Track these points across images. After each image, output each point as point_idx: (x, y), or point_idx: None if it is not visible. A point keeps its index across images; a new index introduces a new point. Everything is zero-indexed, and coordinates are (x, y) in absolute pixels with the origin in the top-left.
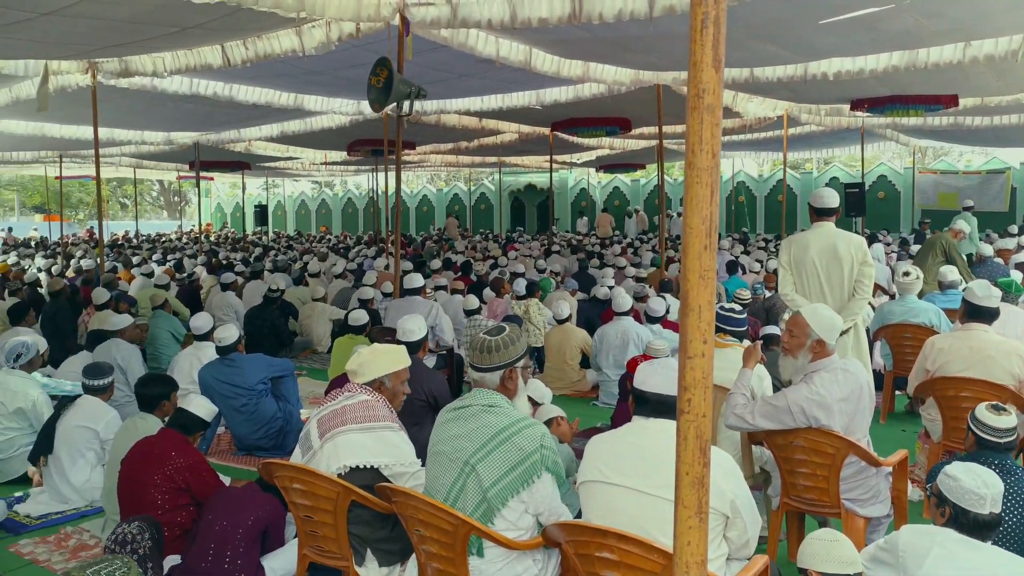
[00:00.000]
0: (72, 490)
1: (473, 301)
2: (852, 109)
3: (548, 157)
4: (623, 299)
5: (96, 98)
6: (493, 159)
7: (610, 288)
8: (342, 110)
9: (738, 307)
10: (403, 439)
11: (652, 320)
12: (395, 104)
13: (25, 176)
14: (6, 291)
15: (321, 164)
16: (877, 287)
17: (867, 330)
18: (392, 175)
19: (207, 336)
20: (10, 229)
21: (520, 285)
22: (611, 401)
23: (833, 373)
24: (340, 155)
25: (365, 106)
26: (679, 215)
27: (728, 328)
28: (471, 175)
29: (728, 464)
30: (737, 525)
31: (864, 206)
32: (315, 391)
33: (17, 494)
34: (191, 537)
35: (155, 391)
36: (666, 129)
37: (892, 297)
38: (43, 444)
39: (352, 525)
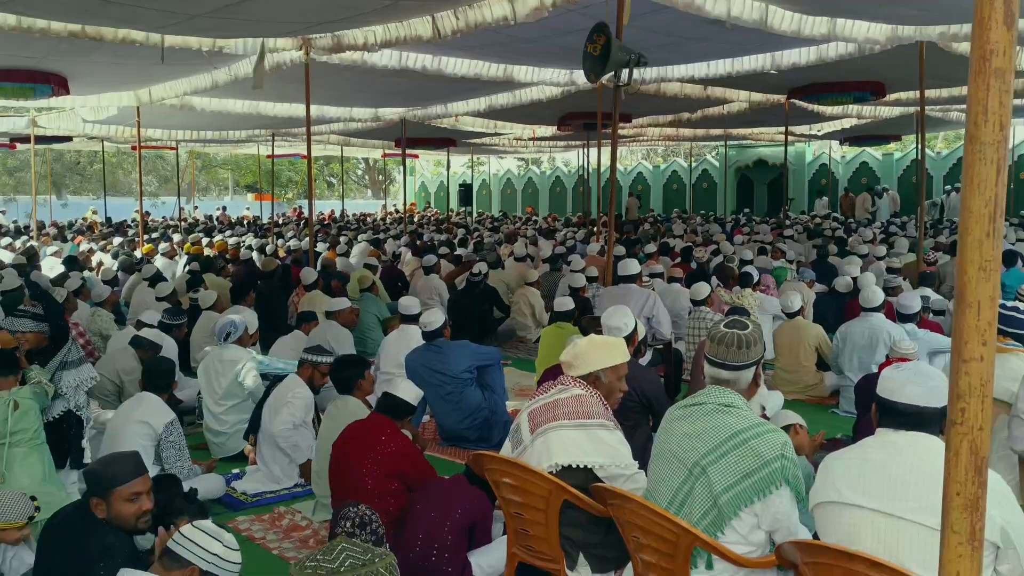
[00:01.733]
0: (281, 470)
1: (702, 289)
2: None
3: (783, 128)
4: (874, 293)
5: (309, 74)
6: (718, 131)
7: (853, 279)
8: (553, 80)
9: (1023, 306)
10: (619, 439)
11: (905, 318)
12: (612, 73)
13: (239, 155)
14: (219, 269)
15: (529, 140)
16: None
17: None
18: (606, 150)
19: (414, 319)
20: (224, 208)
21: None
22: (854, 409)
23: None
24: (549, 130)
25: (578, 76)
26: (950, 192)
27: (1010, 330)
28: (692, 149)
29: (999, 487)
30: (1009, 557)
31: None
32: (521, 382)
33: (234, 471)
34: (398, 525)
35: (348, 372)
36: (929, 94)
37: None
38: (255, 423)
39: (564, 526)
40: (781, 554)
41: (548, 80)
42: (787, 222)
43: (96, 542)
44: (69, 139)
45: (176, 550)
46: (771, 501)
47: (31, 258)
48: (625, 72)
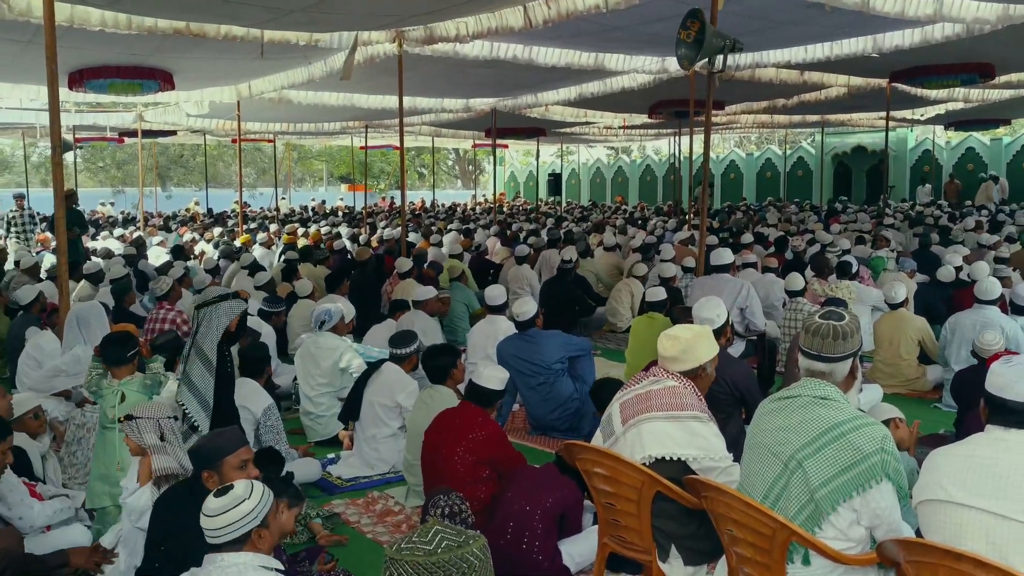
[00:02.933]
0: (377, 456)
1: (797, 280)
2: None
3: (884, 113)
4: (991, 284)
5: (402, 66)
6: (815, 118)
7: (957, 268)
8: (645, 68)
9: None
10: (713, 431)
11: (1020, 310)
12: (706, 59)
13: (333, 147)
14: (317, 259)
15: (619, 128)
16: None
17: None
18: (699, 138)
19: (500, 309)
20: (324, 201)
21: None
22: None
23: None
24: (640, 118)
25: (670, 63)
26: None
27: None
28: (787, 136)
29: None
30: None
31: None
32: (611, 372)
33: (330, 455)
34: (489, 513)
35: (440, 362)
36: None
37: None
38: (351, 409)
39: (656, 518)
40: (882, 552)
41: (639, 68)
42: (887, 210)
43: None
44: (173, 133)
45: (226, 539)
46: (871, 496)
47: (140, 248)
48: (720, 58)
